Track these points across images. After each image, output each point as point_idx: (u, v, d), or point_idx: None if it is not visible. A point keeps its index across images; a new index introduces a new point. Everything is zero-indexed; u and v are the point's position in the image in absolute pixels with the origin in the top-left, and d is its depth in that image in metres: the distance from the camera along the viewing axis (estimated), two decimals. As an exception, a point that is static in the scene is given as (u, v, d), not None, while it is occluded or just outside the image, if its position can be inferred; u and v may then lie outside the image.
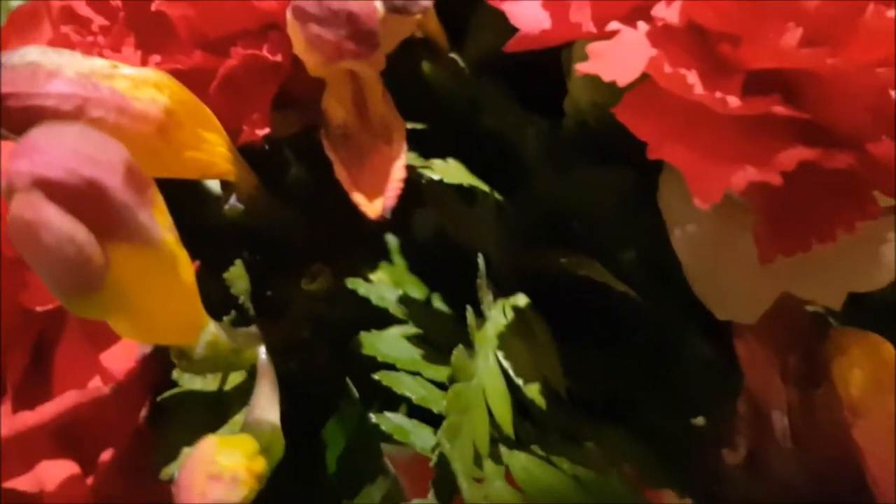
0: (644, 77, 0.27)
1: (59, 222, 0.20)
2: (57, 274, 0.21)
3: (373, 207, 0.27)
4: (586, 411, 0.35)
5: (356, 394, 0.33)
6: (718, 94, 0.25)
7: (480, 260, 0.31)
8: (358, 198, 0.27)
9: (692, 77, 0.25)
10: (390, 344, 0.33)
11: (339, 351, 0.35)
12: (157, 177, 0.24)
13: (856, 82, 0.26)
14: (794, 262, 0.30)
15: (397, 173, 0.27)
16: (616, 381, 0.37)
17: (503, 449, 0.31)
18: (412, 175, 0.34)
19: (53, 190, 0.20)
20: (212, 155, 0.28)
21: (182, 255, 0.24)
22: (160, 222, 0.22)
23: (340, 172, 0.27)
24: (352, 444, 0.36)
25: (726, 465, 0.32)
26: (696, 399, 0.37)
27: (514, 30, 0.29)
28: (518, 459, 0.31)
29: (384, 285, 0.35)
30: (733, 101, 0.25)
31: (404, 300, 0.35)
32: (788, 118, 0.27)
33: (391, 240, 0.38)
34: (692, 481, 0.33)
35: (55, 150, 0.20)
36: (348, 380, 0.33)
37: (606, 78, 0.26)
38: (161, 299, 0.23)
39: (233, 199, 0.30)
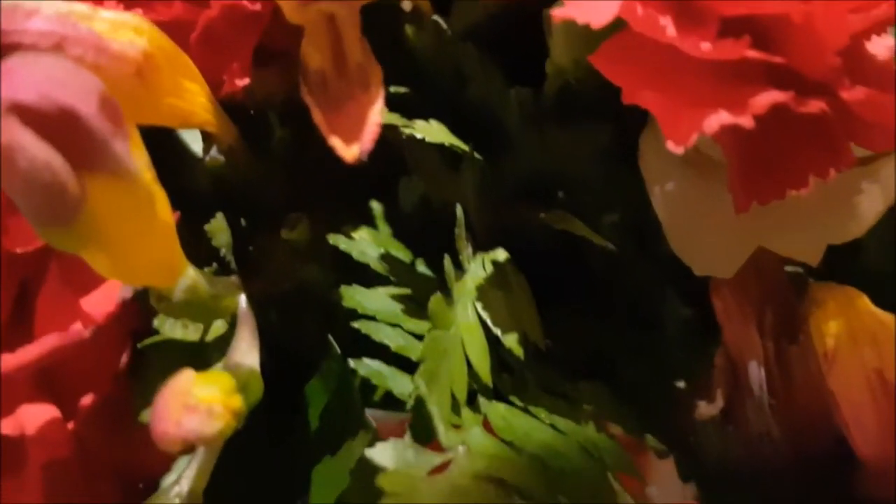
0: (620, 25, 0.27)
1: (33, 148, 0.20)
2: (33, 201, 0.21)
3: (350, 151, 0.27)
4: (566, 369, 0.35)
5: (338, 350, 0.33)
6: (691, 38, 0.26)
7: (459, 210, 0.31)
8: (335, 142, 0.27)
9: (665, 20, 0.26)
10: (371, 298, 0.33)
11: (321, 306, 0.35)
12: (138, 122, 0.25)
13: (828, 28, 0.26)
14: (769, 216, 0.31)
15: (374, 117, 0.28)
16: (597, 342, 0.37)
17: (482, 399, 0.31)
18: (397, 140, 0.35)
19: (27, 115, 0.20)
20: (192, 104, 0.28)
21: (160, 193, 0.24)
22: (137, 157, 0.22)
23: (318, 117, 0.28)
24: (334, 401, 0.36)
25: (703, 417, 0.32)
26: (676, 359, 0.37)
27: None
28: (496, 409, 0.31)
29: (366, 242, 0.35)
30: (705, 44, 0.26)
31: (386, 258, 0.35)
32: (761, 64, 0.27)
33: (376, 206, 0.38)
34: (671, 434, 0.33)
35: (29, 76, 0.20)
36: (330, 337, 0.34)
37: (580, 20, 0.26)
38: (138, 236, 0.23)
39: (213, 151, 0.31)
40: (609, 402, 0.34)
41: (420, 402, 0.28)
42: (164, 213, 0.24)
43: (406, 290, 0.34)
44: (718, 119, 0.26)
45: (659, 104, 0.27)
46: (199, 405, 0.23)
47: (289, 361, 0.37)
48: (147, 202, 0.23)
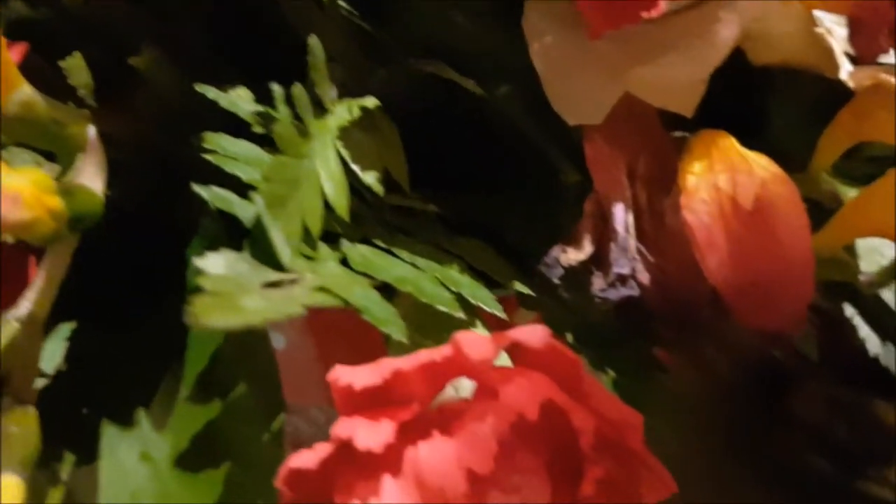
0: None
1: None
2: None
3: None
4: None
5: (213, 204, 0.33)
6: None
7: (313, 40, 0.30)
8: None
9: None
10: (235, 143, 0.32)
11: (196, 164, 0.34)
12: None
13: None
14: (629, 53, 0.30)
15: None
16: (486, 209, 0.37)
17: (344, 242, 0.31)
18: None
19: None
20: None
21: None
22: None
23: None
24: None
25: (570, 262, 0.32)
26: (566, 225, 0.36)
27: None
28: (357, 249, 0.30)
29: (242, 98, 0.35)
30: None
31: (262, 115, 0.34)
32: None
33: (276, 89, 0.38)
34: (540, 281, 0.33)
35: None
36: (205, 193, 0.33)
37: None
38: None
39: (68, -15, 0.30)
40: (485, 256, 0.34)
41: (259, 223, 0.27)
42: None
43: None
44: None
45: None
46: (5, 191, 0.22)
47: (170, 225, 0.37)
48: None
